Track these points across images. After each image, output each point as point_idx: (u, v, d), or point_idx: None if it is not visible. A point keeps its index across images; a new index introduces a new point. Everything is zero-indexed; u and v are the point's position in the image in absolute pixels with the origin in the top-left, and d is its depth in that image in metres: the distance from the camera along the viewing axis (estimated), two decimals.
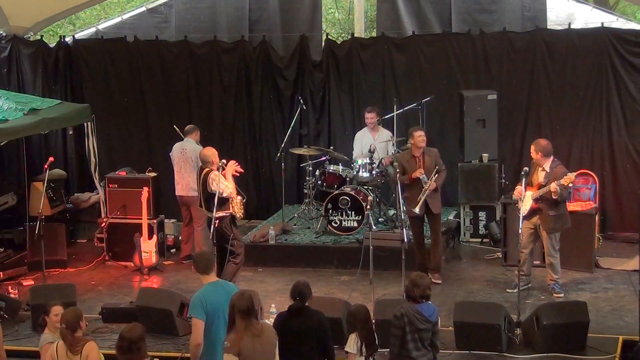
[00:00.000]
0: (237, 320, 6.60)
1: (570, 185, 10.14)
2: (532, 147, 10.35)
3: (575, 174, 10.14)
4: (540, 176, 10.24)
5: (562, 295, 10.31)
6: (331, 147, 13.24)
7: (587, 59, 12.86)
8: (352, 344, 7.21)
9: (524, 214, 10.14)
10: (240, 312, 6.62)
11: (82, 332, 6.96)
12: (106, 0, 18.74)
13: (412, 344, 6.97)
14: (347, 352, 7.31)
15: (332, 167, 12.58)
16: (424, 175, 10.64)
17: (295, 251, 11.92)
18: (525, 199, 10.18)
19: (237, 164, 10.03)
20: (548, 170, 10.18)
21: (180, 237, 12.50)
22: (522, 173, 9.94)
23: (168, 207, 13.57)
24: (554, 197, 9.98)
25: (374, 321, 8.28)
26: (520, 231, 9.71)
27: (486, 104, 12.59)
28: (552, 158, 10.28)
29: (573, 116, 12.99)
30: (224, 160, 10.16)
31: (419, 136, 10.75)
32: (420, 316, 6.97)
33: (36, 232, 10.93)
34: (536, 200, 10.12)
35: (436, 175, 10.56)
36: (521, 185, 10.08)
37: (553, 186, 9.91)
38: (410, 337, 6.96)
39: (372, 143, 12.39)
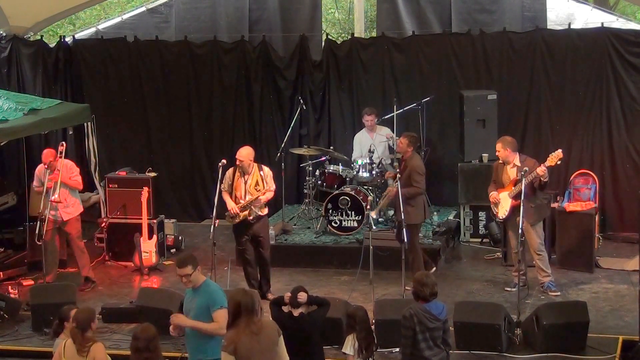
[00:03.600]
0: (242, 317, 6.62)
1: (559, 162, 10.08)
2: (499, 145, 10.29)
3: (560, 150, 10.07)
4: (511, 173, 10.24)
5: (559, 293, 10.33)
6: (331, 147, 13.23)
7: (587, 59, 12.86)
8: (349, 345, 7.22)
9: (504, 216, 10.17)
10: (246, 309, 6.63)
11: (92, 332, 6.94)
12: (106, 0, 18.74)
13: (424, 343, 6.96)
14: (345, 354, 7.32)
15: (332, 167, 12.58)
16: (390, 179, 10.67)
17: (295, 251, 11.92)
18: (502, 201, 10.19)
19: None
20: (519, 165, 10.18)
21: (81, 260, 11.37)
22: (522, 173, 9.95)
23: (168, 207, 13.62)
24: (543, 180, 9.94)
25: (373, 321, 8.29)
26: (520, 230, 9.69)
27: (486, 104, 12.59)
28: (517, 153, 10.30)
29: (573, 116, 12.99)
30: (224, 160, 10.19)
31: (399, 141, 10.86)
32: (430, 315, 6.97)
33: (36, 232, 10.93)
34: (516, 196, 10.06)
35: (396, 183, 10.35)
36: (493, 191, 10.27)
37: (541, 169, 9.88)
38: (422, 336, 6.95)
39: (371, 143, 12.39)
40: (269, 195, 10.28)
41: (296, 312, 7.33)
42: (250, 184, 10.17)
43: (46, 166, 11.03)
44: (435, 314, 7.01)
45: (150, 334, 6.55)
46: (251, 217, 10.22)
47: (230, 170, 10.29)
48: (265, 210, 10.43)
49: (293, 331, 7.16)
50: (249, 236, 10.35)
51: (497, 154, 10.40)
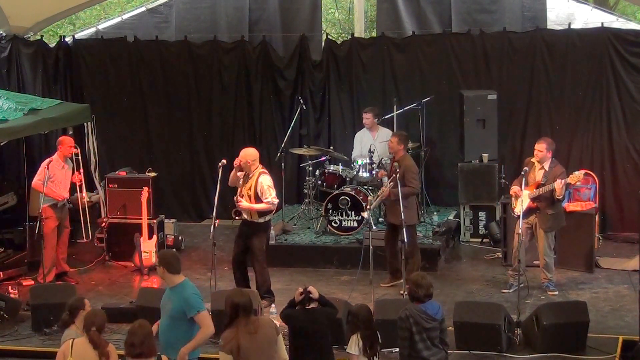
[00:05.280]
0: (240, 317, 6.63)
1: (578, 183, 10.14)
2: (544, 146, 10.23)
3: (583, 171, 10.13)
4: (537, 175, 10.23)
5: (556, 292, 10.36)
6: (331, 147, 13.24)
7: (587, 59, 12.86)
8: (354, 345, 7.19)
9: (519, 213, 10.16)
10: (244, 309, 6.65)
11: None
12: (106, 0, 18.73)
13: (422, 344, 6.97)
14: (349, 354, 7.29)
15: (332, 167, 12.58)
16: (385, 178, 10.68)
17: (295, 251, 11.92)
18: (524, 198, 10.18)
19: None
20: (547, 169, 10.20)
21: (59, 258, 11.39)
22: (522, 173, 9.95)
23: (168, 207, 13.61)
24: (557, 196, 9.99)
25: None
26: (520, 230, 9.70)
27: (486, 104, 12.59)
28: (551, 157, 10.32)
29: (573, 116, 12.99)
30: (224, 160, 10.16)
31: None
32: (426, 315, 6.98)
33: (36, 232, 10.94)
34: (534, 199, 10.10)
35: (391, 184, 10.28)
36: (517, 185, 10.18)
37: (558, 184, 9.90)
38: (419, 337, 6.96)
39: (371, 143, 12.39)
40: (260, 206, 9.97)
41: (309, 306, 7.32)
42: (246, 186, 10.09)
43: (69, 156, 11.24)
44: (432, 314, 7.02)
45: (147, 329, 6.55)
46: (237, 217, 10.16)
47: None
48: (257, 219, 10.09)
49: (309, 324, 7.16)
50: (240, 237, 10.26)
51: (537, 153, 10.26)
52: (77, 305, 7.27)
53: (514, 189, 10.34)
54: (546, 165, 10.24)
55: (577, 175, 10.02)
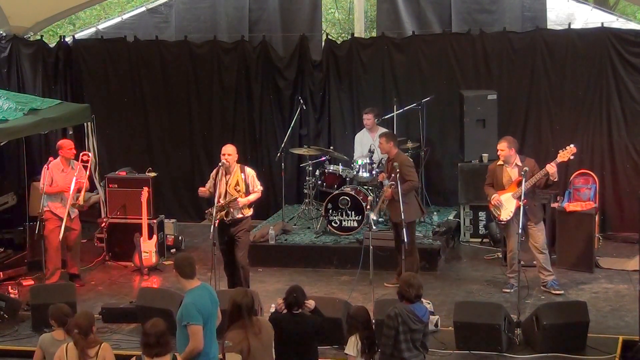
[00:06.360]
0: (244, 318, 6.66)
1: (572, 157, 10.09)
2: (505, 144, 10.22)
3: (572, 145, 10.09)
4: (512, 174, 10.20)
5: (562, 292, 10.35)
6: (331, 147, 13.24)
7: (587, 59, 12.86)
8: (352, 346, 7.21)
9: (508, 218, 10.13)
10: (247, 310, 6.68)
11: (94, 334, 6.96)
12: (106, 0, 18.74)
13: (405, 344, 6.97)
14: (347, 355, 7.30)
15: (332, 167, 12.59)
16: (385, 180, 10.66)
17: (295, 251, 11.92)
18: (505, 202, 10.15)
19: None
20: (520, 165, 10.15)
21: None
22: (522, 173, 9.94)
23: (168, 207, 13.62)
24: (554, 179, 9.97)
25: (374, 321, 8.29)
26: (520, 230, 9.68)
27: (486, 104, 12.59)
28: (516, 154, 10.31)
29: (573, 116, 12.99)
30: (224, 161, 10.14)
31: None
32: (414, 316, 6.98)
33: (36, 232, 10.92)
34: (520, 197, 9.98)
35: (392, 185, 10.24)
36: (493, 193, 10.23)
37: (551, 168, 9.87)
38: (403, 337, 6.95)
39: (371, 143, 12.40)
40: (254, 197, 10.08)
41: (296, 310, 7.31)
42: (230, 184, 10.02)
43: (72, 159, 11.06)
44: (420, 315, 7.02)
45: (159, 328, 6.58)
46: (227, 219, 10.00)
47: (215, 170, 10.14)
48: (249, 212, 10.13)
49: (294, 327, 7.16)
50: (227, 237, 10.14)
51: (500, 153, 10.29)
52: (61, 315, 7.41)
53: (494, 198, 10.25)
54: (517, 162, 10.21)
55: (569, 150, 9.92)
